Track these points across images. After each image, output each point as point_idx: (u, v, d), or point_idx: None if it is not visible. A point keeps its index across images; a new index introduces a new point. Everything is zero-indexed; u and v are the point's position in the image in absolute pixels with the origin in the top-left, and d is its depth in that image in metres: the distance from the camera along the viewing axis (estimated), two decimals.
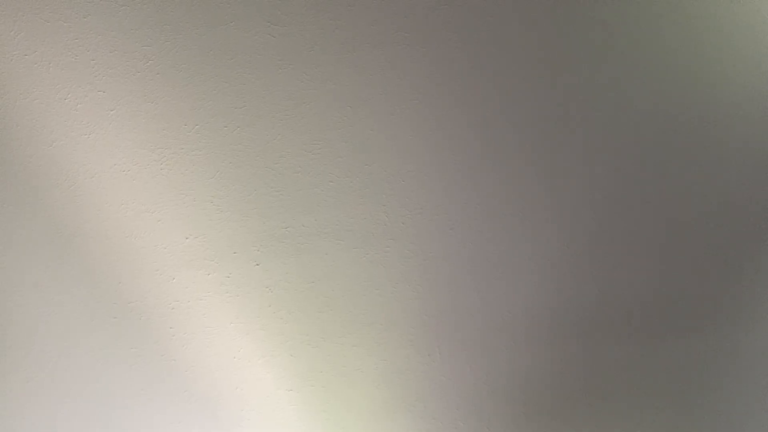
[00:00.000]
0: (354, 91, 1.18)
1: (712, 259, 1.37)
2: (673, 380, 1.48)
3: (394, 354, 1.42)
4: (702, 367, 1.47)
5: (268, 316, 1.36)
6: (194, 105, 1.17)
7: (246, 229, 1.28)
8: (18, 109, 1.14)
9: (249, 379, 1.41)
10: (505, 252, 1.33)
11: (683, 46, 1.18)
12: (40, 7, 1.07)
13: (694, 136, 1.25)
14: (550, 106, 1.22)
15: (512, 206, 1.30)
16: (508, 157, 1.26)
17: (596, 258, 1.35)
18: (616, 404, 1.50)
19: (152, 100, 1.16)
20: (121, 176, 1.21)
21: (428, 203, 1.29)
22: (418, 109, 1.20)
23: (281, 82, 1.17)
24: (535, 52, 1.17)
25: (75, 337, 1.33)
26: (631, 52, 1.18)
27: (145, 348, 1.36)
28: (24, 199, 1.21)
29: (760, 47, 1.18)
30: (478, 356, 1.43)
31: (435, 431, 1.50)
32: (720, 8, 1.13)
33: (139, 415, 1.42)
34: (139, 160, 1.20)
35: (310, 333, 1.38)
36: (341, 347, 1.40)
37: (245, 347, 1.38)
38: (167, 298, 1.32)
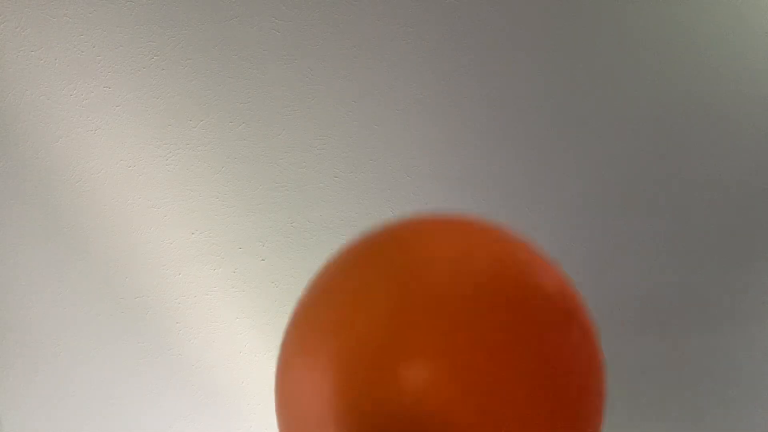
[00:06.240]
0: (359, 87, 1.18)
1: (724, 255, 1.37)
2: (687, 377, 1.48)
3: None
4: (717, 364, 1.47)
5: (274, 311, 1.36)
6: (199, 100, 1.17)
7: (251, 224, 1.28)
8: (23, 105, 1.14)
9: (254, 373, 1.42)
10: None
11: (694, 39, 1.17)
12: (45, 4, 1.07)
13: (709, 130, 1.25)
14: (558, 101, 1.21)
15: (518, 202, 1.30)
16: (515, 153, 1.25)
17: (604, 255, 1.35)
18: (628, 402, 1.50)
19: (158, 96, 1.16)
20: (126, 172, 1.21)
21: (433, 198, 1.29)
22: (424, 104, 1.20)
23: (286, 78, 1.17)
24: (547, 44, 1.16)
25: (81, 332, 1.33)
26: (644, 44, 1.17)
27: (151, 343, 1.36)
28: (29, 195, 1.21)
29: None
30: None
31: None
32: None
33: (144, 409, 1.43)
34: (145, 156, 1.20)
35: None
36: None
37: (251, 342, 1.39)
38: (173, 293, 1.33)
